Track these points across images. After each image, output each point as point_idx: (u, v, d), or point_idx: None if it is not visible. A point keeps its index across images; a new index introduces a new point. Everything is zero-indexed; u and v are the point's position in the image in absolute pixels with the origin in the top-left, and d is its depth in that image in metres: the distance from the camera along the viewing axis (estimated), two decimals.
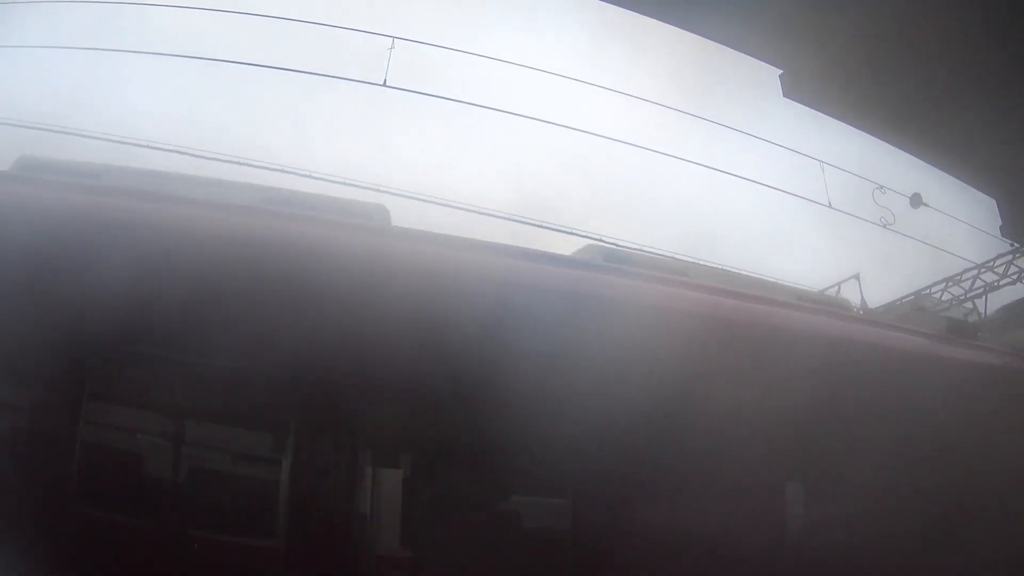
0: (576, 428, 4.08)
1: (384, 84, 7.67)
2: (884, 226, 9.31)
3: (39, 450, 3.44)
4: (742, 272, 7.11)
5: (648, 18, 8.05)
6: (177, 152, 7.81)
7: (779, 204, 8.21)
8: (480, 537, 4.05)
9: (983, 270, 10.62)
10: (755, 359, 4.96)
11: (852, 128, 9.23)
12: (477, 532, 4.08)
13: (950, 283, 10.58)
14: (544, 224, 7.50)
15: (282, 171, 7.91)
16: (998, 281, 10.75)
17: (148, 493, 3.55)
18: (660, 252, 7.08)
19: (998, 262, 10.74)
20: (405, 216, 5.91)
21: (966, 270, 10.61)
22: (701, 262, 6.97)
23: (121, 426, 3.65)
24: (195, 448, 3.77)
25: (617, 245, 7.04)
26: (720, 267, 6.63)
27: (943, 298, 10.53)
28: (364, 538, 3.79)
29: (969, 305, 10.87)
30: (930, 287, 10.57)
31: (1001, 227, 10.73)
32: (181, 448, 3.70)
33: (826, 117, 9.08)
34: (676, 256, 7.18)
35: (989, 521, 5.10)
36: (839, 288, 9.15)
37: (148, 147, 7.74)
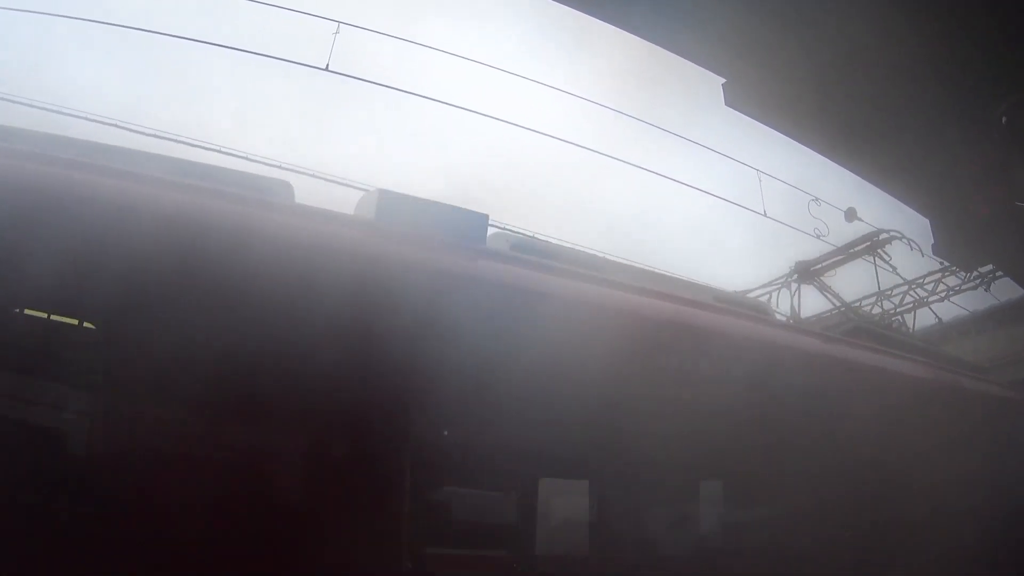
0: (512, 425, 4.12)
1: (327, 69, 7.64)
2: (818, 237, 9.56)
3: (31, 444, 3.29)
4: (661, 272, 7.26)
5: (594, 19, 8.11)
6: (111, 125, 7.68)
7: (716, 210, 8.34)
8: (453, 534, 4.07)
9: (913, 286, 10.99)
10: (686, 360, 5.04)
11: (792, 141, 9.43)
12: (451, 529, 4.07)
13: (881, 297, 10.92)
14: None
15: (217, 150, 7.83)
16: (927, 298, 11.14)
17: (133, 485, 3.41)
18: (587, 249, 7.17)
19: (928, 279, 11.13)
20: (337, 201, 5.86)
21: (897, 285, 10.97)
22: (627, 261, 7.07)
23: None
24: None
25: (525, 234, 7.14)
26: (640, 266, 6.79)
27: (873, 312, 10.86)
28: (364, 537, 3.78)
29: (899, 320, 11.24)
30: (860, 300, 10.89)
31: (933, 245, 11.09)
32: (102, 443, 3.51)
33: (767, 128, 9.25)
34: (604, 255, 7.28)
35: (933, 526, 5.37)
36: (770, 296, 9.38)
37: (79, 117, 7.58)
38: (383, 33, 7.89)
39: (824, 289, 9.63)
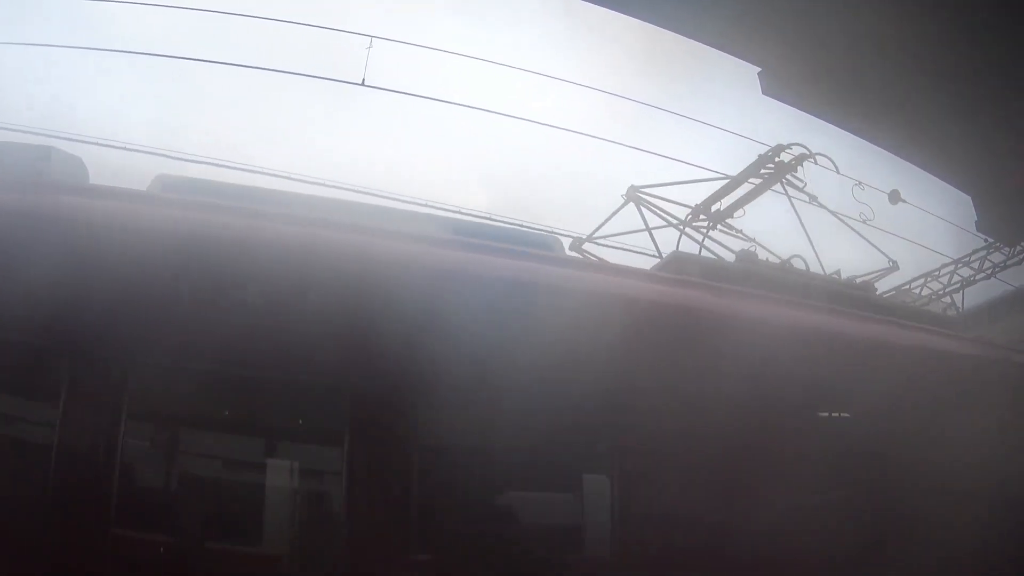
0: (549, 425, 4.01)
1: (363, 83, 7.58)
2: (863, 222, 9.35)
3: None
4: None
5: (629, 17, 8.02)
6: (151, 153, 7.62)
7: (758, 198, 8.16)
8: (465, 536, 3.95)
9: (960, 265, 10.79)
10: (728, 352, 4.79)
11: (831, 125, 9.30)
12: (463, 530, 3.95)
13: (929, 278, 10.73)
14: (523, 224, 7.42)
15: (260, 172, 7.76)
16: (974, 276, 10.93)
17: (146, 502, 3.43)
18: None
19: (974, 257, 10.94)
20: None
21: (943, 265, 10.78)
22: None
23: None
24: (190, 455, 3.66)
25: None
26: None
27: (922, 293, 10.67)
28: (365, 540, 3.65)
29: (947, 300, 11.04)
30: (909, 282, 10.70)
31: (976, 222, 10.91)
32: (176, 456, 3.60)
33: (805, 114, 9.13)
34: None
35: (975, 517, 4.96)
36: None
37: (124, 148, 7.54)
38: (416, 44, 7.81)
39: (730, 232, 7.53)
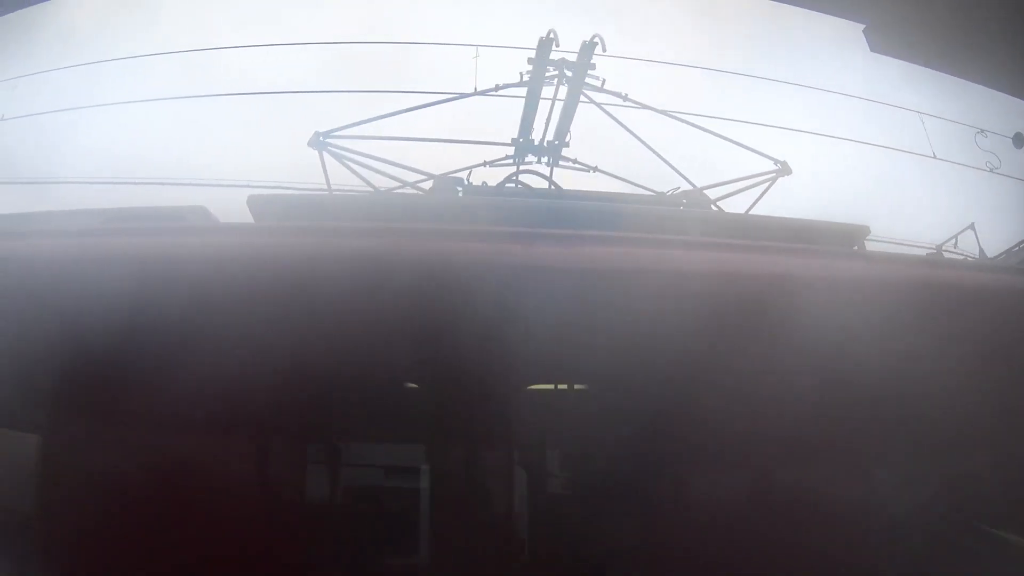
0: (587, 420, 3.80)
1: (475, 92, 7.66)
2: (991, 170, 8.93)
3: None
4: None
5: None
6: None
7: (883, 161, 7.90)
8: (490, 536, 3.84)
9: None
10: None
11: (944, 74, 8.92)
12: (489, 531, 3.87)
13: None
14: None
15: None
16: None
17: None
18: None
19: None
20: None
21: None
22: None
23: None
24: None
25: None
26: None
27: None
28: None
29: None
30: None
31: None
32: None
33: (916, 66, 8.79)
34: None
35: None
36: (956, 241, 8.77)
37: (234, 186, 7.81)
38: (518, 47, 7.85)
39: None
